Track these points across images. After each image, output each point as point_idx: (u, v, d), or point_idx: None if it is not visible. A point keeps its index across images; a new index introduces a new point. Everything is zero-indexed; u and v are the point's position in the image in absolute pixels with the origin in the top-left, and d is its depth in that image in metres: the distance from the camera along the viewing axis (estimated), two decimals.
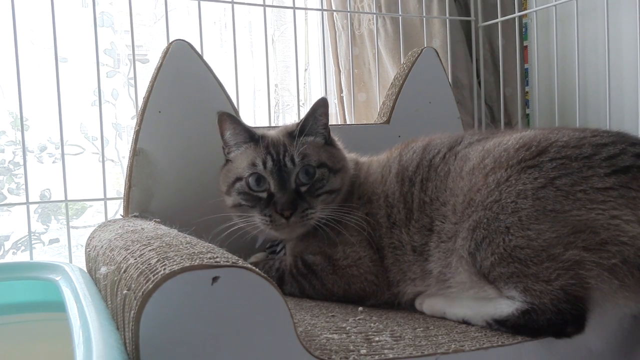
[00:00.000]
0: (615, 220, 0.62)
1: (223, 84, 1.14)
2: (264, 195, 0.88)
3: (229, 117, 0.93)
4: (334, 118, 1.82)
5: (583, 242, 0.62)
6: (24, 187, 1.17)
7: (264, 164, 0.88)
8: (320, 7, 1.78)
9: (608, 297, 0.62)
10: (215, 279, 0.50)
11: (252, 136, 0.92)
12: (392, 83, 1.36)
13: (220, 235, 0.87)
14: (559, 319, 0.61)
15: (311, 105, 0.94)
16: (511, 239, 0.65)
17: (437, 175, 0.80)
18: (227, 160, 0.95)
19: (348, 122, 1.73)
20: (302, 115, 0.96)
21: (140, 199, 1.07)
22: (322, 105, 0.93)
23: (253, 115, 1.90)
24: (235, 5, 1.34)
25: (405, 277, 0.80)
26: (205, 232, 0.79)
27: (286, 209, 0.85)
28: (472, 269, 0.70)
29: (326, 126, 0.95)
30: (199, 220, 0.83)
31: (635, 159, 0.66)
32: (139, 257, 0.59)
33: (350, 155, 0.99)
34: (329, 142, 0.95)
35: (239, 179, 0.90)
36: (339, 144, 1.00)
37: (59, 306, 0.66)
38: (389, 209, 0.85)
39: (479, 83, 1.73)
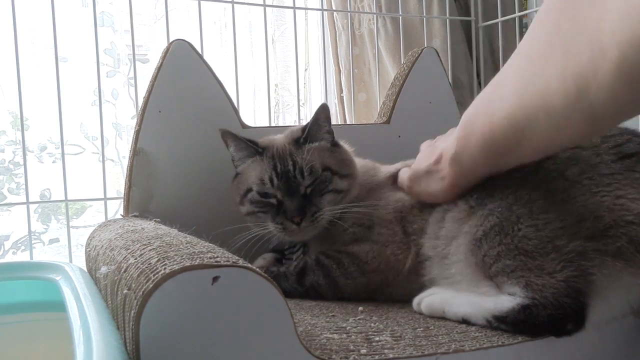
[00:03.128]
0: (620, 200, 0.63)
1: (223, 83, 1.14)
2: (274, 201, 0.91)
3: (230, 135, 0.96)
4: (334, 118, 1.83)
5: (586, 231, 0.63)
6: (24, 186, 1.17)
7: (271, 181, 0.91)
8: (320, 7, 1.78)
9: (613, 278, 0.62)
10: (215, 278, 0.50)
11: (256, 149, 0.95)
12: (392, 83, 1.36)
13: (237, 243, 0.89)
14: (559, 313, 0.61)
15: (314, 112, 0.96)
16: (520, 228, 0.66)
17: None
18: (237, 173, 0.99)
19: (348, 122, 1.73)
20: (302, 115, 0.97)
21: (140, 198, 1.07)
22: (323, 112, 0.96)
23: (253, 115, 1.90)
24: (235, 5, 1.34)
25: (424, 233, 0.82)
26: (205, 232, 0.79)
27: (296, 216, 0.88)
28: (472, 258, 0.70)
29: (330, 132, 0.97)
30: (218, 231, 0.83)
31: None
32: (139, 256, 0.59)
33: (366, 162, 1.01)
34: (334, 144, 0.98)
35: (249, 190, 0.93)
36: (346, 146, 1.01)
37: (59, 306, 0.66)
38: None
39: (479, 83, 1.73)
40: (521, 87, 0.55)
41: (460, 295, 0.72)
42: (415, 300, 0.77)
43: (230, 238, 0.90)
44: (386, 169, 0.99)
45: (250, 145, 0.95)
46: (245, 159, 0.97)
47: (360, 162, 1.00)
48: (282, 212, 0.89)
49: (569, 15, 0.48)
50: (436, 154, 0.77)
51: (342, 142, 1.01)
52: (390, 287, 0.84)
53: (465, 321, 0.69)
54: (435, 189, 0.78)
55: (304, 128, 0.96)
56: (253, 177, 0.93)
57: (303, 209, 0.88)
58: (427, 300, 0.75)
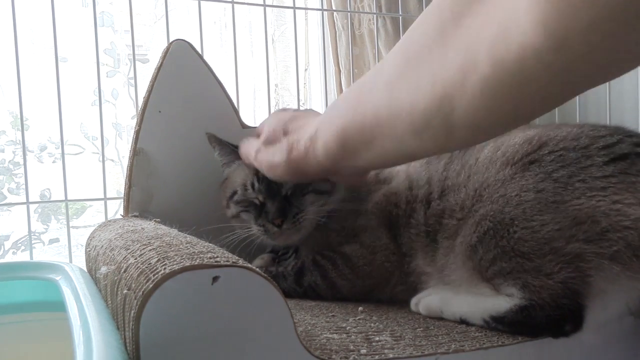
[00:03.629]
0: (616, 205, 0.63)
1: (223, 84, 1.14)
2: (257, 201, 0.92)
3: (215, 139, 0.99)
4: None
5: (584, 234, 0.63)
6: (24, 186, 1.17)
7: (252, 186, 0.92)
8: (320, 7, 1.78)
9: (610, 281, 0.62)
10: (215, 278, 0.50)
11: (238, 155, 0.95)
12: None
13: (227, 243, 0.90)
14: (557, 314, 0.62)
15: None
16: (515, 230, 0.66)
17: (459, 161, 0.80)
18: (225, 178, 1.00)
19: None
20: None
21: (140, 199, 1.06)
22: None
23: (253, 115, 1.91)
24: (235, 5, 1.34)
25: (417, 254, 0.81)
26: (205, 232, 0.79)
27: (276, 218, 0.87)
28: (469, 263, 0.70)
29: None
30: (204, 229, 0.83)
31: (633, 147, 0.68)
32: (139, 256, 0.59)
33: None
34: None
35: (234, 192, 0.94)
36: None
37: (59, 306, 0.66)
38: (410, 183, 0.86)
39: None
40: (394, 83, 0.53)
41: (458, 296, 0.72)
42: (413, 301, 0.77)
43: (228, 238, 0.91)
44: None
45: (234, 150, 0.96)
46: (230, 164, 0.98)
47: None
48: (264, 214, 0.89)
49: (454, 18, 0.46)
50: (298, 125, 0.74)
51: None
52: (387, 289, 0.85)
53: (463, 321, 0.69)
54: (279, 160, 0.74)
55: None
56: (238, 182, 0.94)
57: (284, 211, 0.88)
58: (425, 300, 0.75)
